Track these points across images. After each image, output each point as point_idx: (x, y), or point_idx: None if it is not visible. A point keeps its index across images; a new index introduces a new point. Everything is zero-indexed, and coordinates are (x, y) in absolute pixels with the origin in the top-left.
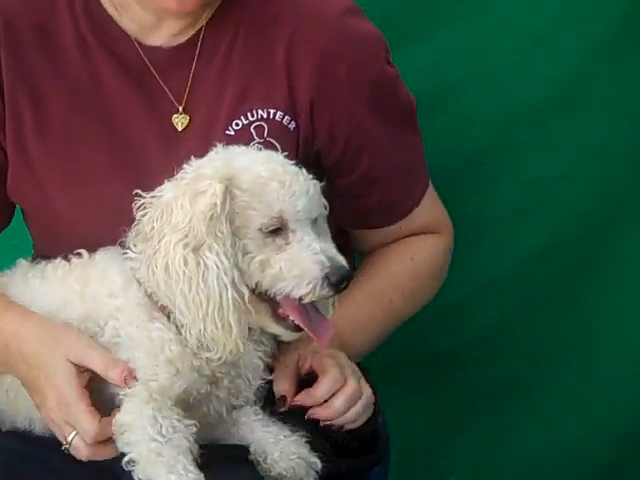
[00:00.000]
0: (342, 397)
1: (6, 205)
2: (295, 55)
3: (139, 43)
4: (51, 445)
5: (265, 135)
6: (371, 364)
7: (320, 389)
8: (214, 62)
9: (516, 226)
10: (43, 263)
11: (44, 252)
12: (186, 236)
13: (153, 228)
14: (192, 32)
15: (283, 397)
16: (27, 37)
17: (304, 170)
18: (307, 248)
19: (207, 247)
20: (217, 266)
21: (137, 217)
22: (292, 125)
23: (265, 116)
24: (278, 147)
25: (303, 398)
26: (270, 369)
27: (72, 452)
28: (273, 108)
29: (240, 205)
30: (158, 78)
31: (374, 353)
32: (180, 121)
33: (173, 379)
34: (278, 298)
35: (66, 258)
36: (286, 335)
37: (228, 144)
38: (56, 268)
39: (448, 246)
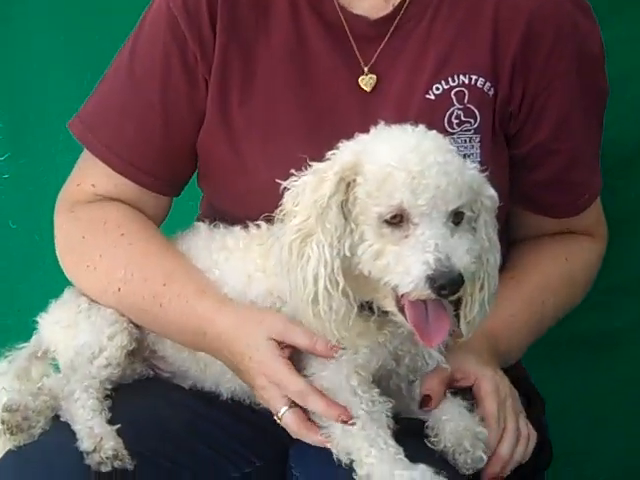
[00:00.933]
0: (506, 444)
1: (193, 156)
2: (501, 22)
3: (345, 9)
4: (229, 409)
5: (465, 101)
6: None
7: (504, 448)
8: (417, 30)
9: None
10: (222, 231)
11: (219, 211)
12: (304, 221)
13: (285, 209)
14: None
15: (428, 396)
16: None
17: (458, 159)
18: (421, 244)
19: (315, 239)
20: (317, 259)
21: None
22: (491, 92)
23: (467, 82)
24: (477, 114)
25: (494, 468)
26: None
27: (285, 423)
28: (475, 74)
29: (362, 192)
30: (353, 43)
31: None
32: (368, 82)
33: (371, 356)
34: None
35: (245, 228)
36: (406, 325)
37: (427, 108)
38: (237, 240)
39: (602, 252)
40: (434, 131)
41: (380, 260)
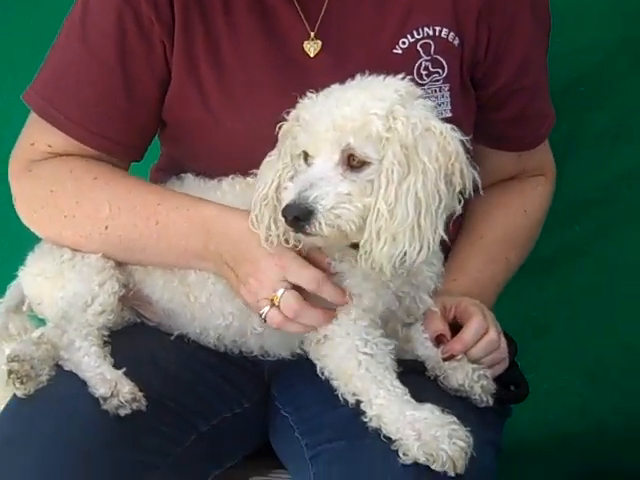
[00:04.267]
0: (483, 343)
1: (156, 120)
2: None
3: None
4: (215, 351)
5: (432, 52)
6: None
7: (468, 333)
8: None
9: (605, 151)
10: (216, 179)
11: (187, 169)
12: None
13: None
14: None
15: (441, 335)
16: None
17: (373, 108)
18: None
19: (272, 162)
20: (263, 178)
21: None
22: (457, 41)
23: (431, 33)
24: (444, 64)
25: (453, 345)
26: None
27: (270, 317)
28: (439, 25)
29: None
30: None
31: None
32: (311, 47)
33: (377, 298)
34: None
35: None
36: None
37: (396, 63)
38: (234, 183)
39: (552, 190)
40: (388, 81)
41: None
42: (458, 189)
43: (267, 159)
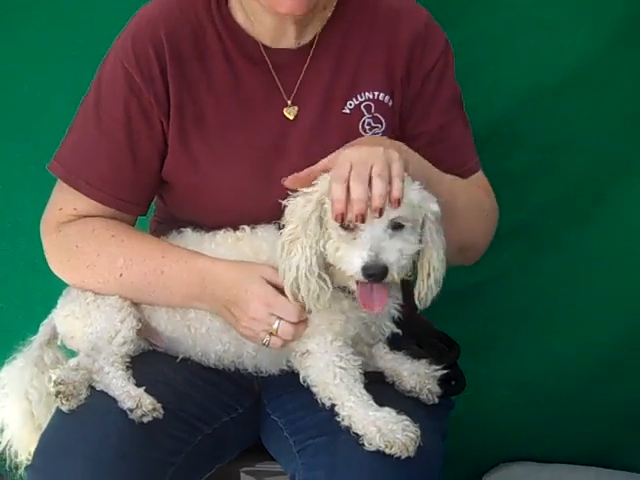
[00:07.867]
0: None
1: (157, 182)
2: (391, 49)
3: (266, 47)
4: (213, 369)
5: (373, 111)
6: None
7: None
8: (328, 58)
9: (529, 185)
10: (211, 233)
11: (181, 220)
12: (294, 228)
13: (285, 220)
14: (311, 37)
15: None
16: (185, 44)
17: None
18: (360, 244)
19: (299, 242)
20: (300, 256)
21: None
22: (390, 102)
23: (371, 97)
24: (382, 120)
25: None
26: (396, 322)
27: (273, 343)
28: (377, 91)
29: (328, 209)
30: (274, 75)
31: None
32: (291, 112)
33: (346, 325)
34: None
35: (230, 230)
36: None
37: (346, 120)
38: (226, 237)
39: (495, 207)
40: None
41: (337, 253)
42: None
43: (289, 238)
